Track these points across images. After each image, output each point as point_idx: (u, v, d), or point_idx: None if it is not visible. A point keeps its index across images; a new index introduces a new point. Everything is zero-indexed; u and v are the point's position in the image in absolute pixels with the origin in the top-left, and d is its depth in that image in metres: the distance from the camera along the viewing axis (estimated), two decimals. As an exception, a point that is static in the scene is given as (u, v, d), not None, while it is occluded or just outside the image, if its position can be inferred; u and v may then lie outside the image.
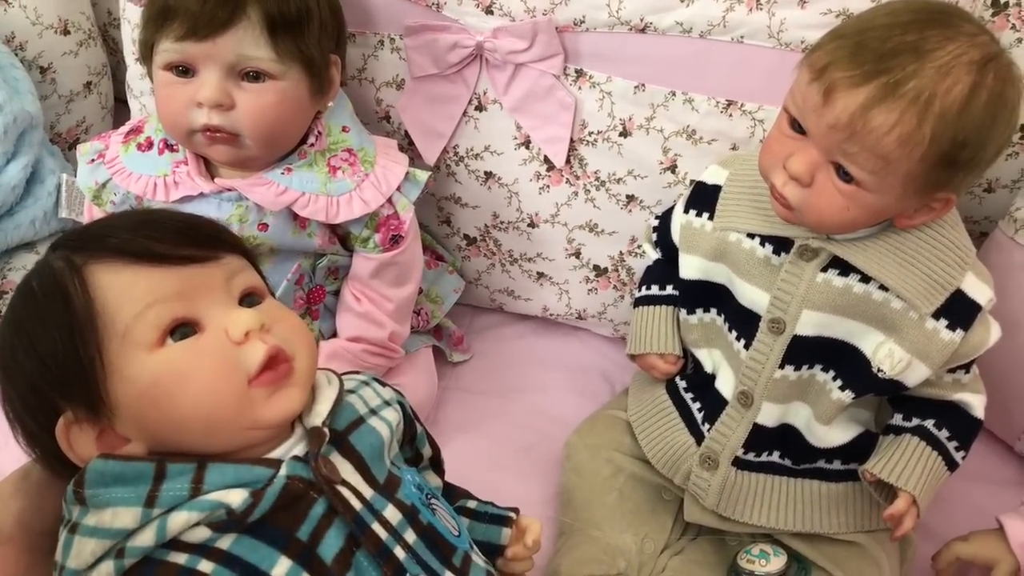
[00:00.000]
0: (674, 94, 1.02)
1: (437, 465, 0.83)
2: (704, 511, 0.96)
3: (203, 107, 0.90)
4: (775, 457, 0.94)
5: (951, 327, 0.83)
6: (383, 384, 0.76)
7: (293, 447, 0.64)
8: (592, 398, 1.18)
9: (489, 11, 1.02)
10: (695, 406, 0.98)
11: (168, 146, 0.98)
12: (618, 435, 1.04)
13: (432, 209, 1.21)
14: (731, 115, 1.01)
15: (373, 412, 0.70)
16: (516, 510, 0.82)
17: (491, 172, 1.14)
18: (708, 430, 0.95)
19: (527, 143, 1.10)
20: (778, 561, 0.93)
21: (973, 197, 1.15)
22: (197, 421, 0.60)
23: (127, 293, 0.59)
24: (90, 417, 0.61)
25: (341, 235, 1.02)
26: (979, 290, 0.84)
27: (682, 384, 1.00)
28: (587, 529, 0.98)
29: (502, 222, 1.18)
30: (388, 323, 1.05)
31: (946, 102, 0.71)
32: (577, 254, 1.18)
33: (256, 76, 0.90)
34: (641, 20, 0.98)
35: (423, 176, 1.03)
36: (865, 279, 0.84)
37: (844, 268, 0.85)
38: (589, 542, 0.97)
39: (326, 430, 0.64)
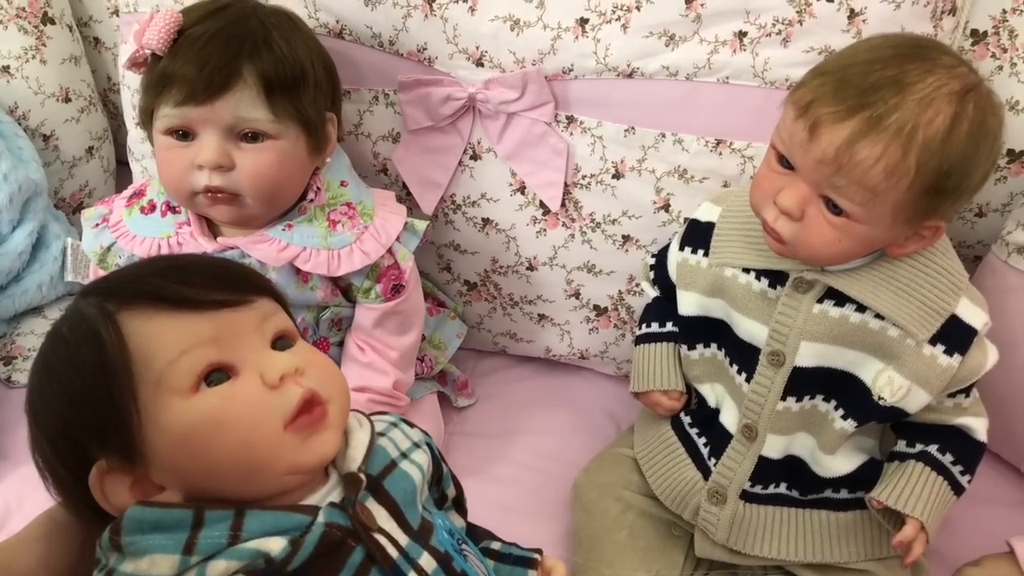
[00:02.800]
0: (664, 135, 1.03)
1: (460, 505, 0.81)
2: (715, 546, 0.96)
3: (204, 169, 0.91)
4: (782, 489, 0.94)
5: (948, 352, 0.84)
6: (411, 425, 0.74)
7: (329, 493, 0.63)
8: (598, 437, 1.18)
9: (480, 64, 1.04)
10: (700, 441, 0.98)
11: (171, 208, 1.00)
12: (626, 473, 1.04)
13: (432, 257, 1.22)
14: (721, 153, 1.03)
15: (404, 456, 0.69)
16: (540, 551, 0.80)
17: (488, 218, 1.15)
18: (714, 464, 0.95)
19: (522, 189, 1.12)
20: (790, 593, 0.93)
21: (965, 222, 1.16)
22: (234, 468, 0.59)
23: (161, 339, 0.58)
24: (124, 466, 0.59)
25: (343, 287, 1.03)
26: (974, 314, 0.85)
27: (687, 420, 1.01)
28: (599, 568, 0.98)
29: (501, 267, 1.19)
30: (392, 372, 1.06)
31: (929, 133, 0.73)
32: (577, 295, 1.19)
33: (254, 137, 0.92)
34: (628, 66, 1.01)
35: (421, 226, 1.04)
36: (861, 308, 0.85)
37: (840, 299, 0.85)
38: (602, 582, 0.97)
39: (363, 476, 0.63)
